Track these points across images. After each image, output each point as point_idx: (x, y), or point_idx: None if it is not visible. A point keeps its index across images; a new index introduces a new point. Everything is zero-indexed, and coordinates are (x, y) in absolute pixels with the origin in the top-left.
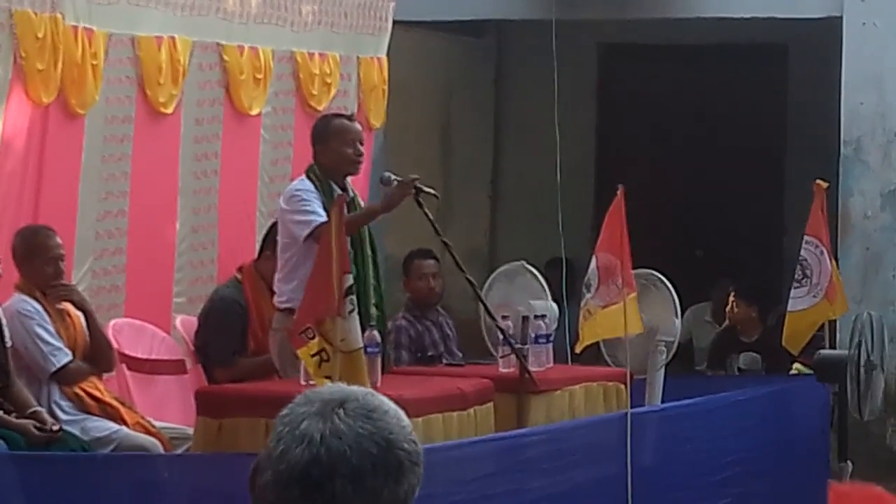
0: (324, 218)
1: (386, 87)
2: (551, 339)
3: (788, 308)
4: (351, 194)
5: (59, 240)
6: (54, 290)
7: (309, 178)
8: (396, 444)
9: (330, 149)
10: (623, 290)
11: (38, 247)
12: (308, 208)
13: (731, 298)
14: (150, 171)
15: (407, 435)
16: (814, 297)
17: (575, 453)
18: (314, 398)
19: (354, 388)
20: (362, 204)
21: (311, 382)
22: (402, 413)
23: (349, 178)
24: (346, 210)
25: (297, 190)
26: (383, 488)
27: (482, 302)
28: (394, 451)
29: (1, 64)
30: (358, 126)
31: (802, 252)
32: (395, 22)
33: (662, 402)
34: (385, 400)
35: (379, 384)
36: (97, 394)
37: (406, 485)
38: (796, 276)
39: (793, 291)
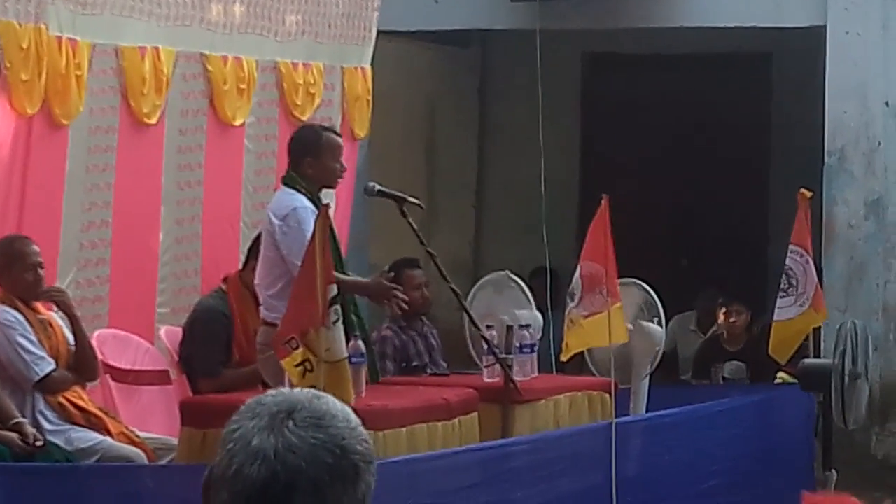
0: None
1: (370, 98)
2: (536, 348)
3: (774, 317)
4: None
5: (36, 247)
6: (46, 293)
7: (296, 189)
8: (350, 449)
9: (321, 162)
10: (608, 300)
11: (16, 255)
12: (296, 233)
13: (724, 311)
14: (133, 181)
15: (358, 436)
16: (800, 306)
17: (560, 463)
18: (260, 410)
19: (299, 393)
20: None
21: None
22: (349, 412)
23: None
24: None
25: (301, 209)
26: (342, 495)
27: (467, 312)
28: (349, 457)
29: None
30: (341, 140)
31: (788, 261)
32: (379, 32)
33: (647, 411)
34: (331, 401)
35: (364, 394)
36: (81, 404)
37: (363, 485)
38: (782, 286)
39: (779, 301)
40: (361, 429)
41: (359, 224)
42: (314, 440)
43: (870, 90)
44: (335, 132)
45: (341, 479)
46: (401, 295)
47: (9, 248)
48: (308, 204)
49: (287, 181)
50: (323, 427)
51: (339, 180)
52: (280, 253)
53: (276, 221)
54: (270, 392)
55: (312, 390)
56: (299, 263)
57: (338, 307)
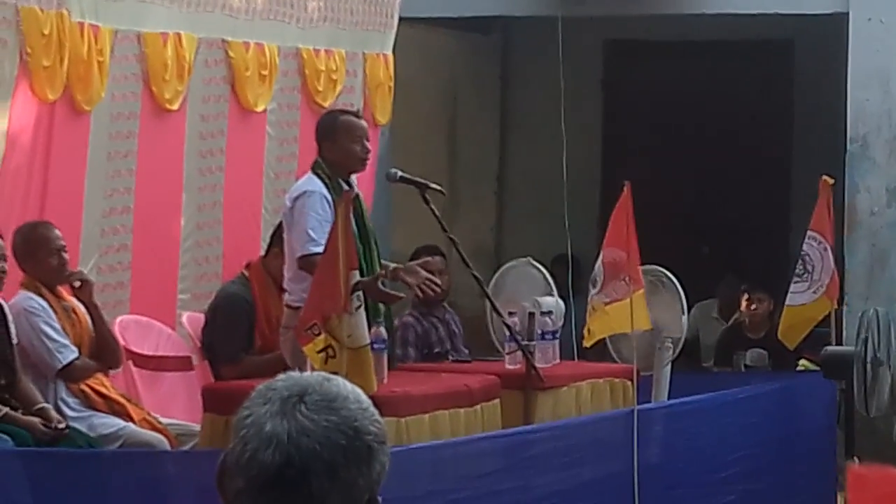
0: (320, 249)
1: (392, 84)
2: (558, 335)
3: (787, 302)
4: (356, 190)
5: (58, 232)
6: (72, 275)
7: (317, 174)
8: (363, 430)
9: (338, 145)
10: (630, 286)
11: (39, 240)
12: (312, 234)
13: (746, 299)
14: (155, 167)
15: (371, 417)
16: (814, 292)
17: (581, 450)
18: (271, 395)
19: (310, 377)
20: (364, 203)
21: None
22: (360, 393)
23: (353, 175)
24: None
25: (309, 194)
26: (358, 476)
27: (488, 298)
28: (362, 438)
29: (7, 61)
30: (364, 123)
31: (805, 247)
32: (401, 18)
33: (669, 398)
34: (342, 383)
35: (386, 380)
36: (103, 390)
37: (378, 465)
38: (797, 271)
39: (792, 286)
40: (373, 409)
41: (381, 210)
42: (327, 423)
43: (892, 77)
44: (355, 115)
45: (356, 461)
46: (431, 278)
47: (32, 233)
48: (320, 188)
49: (312, 167)
50: (335, 409)
51: (364, 162)
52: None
53: (287, 205)
54: (280, 377)
55: (322, 373)
56: (298, 247)
57: (360, 293)
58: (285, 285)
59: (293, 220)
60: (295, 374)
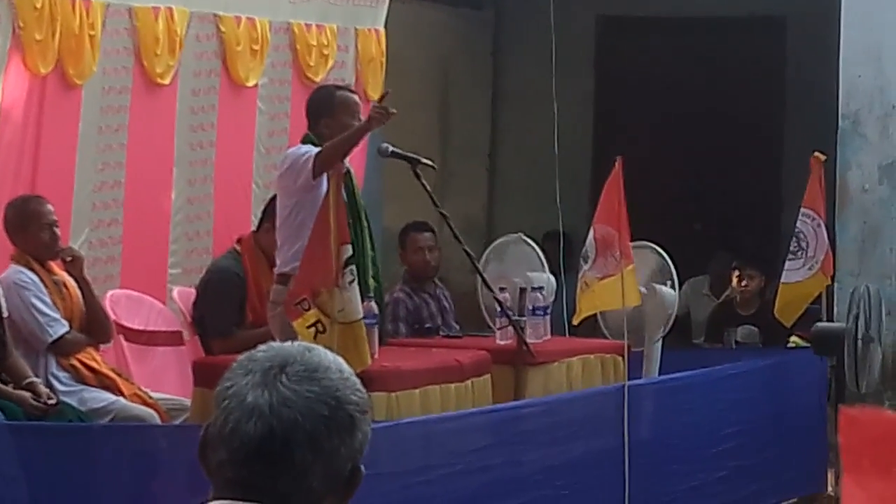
0: (316, 149)
1: (384, 59)
2: (549, 311)
3: (782, 280)
4: (346, 166)
5: (51, 206)
6: (63, 252)
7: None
8: (345, 399)
9: (336, 121)
10: (621, 262)
11: (31, 214)
12: (304, 150)
13: (737, 275)
14: (146, 141)
15: (353, 386)
16: (809, 269)
17: (572, 425)
18: (253, 366)
19: (291, 347)
20: (355, 179)
21: None
22: (342, 363)
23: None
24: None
25: (294, 149)
26: (340, 446)
27: (480, 274)
28: (344, 408)
29: None
30: (357, 97)
31: (798, 224)
32: None
33: (659, 374)
34: (324, 353)
35: (377, 355)
36: (94, 365)
37: (360, 435)
38: (791, 248)
39: (787, 263)
40: (355, 379)
41: (372, 186)
42: (309, 393)
43: (885, 54)
44: (350, 90)
45: (338, 431)
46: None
47: (24, 207)
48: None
49: (302, 141)
50: (316, 379)
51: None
52: (282, 204)
53: (281, 169)
54: (262, 347)
55: (304, 343)
56: (288, 195)
57: (353, 268)
58: (277, 255)
59: (284, 175)
60: (276, 344)
